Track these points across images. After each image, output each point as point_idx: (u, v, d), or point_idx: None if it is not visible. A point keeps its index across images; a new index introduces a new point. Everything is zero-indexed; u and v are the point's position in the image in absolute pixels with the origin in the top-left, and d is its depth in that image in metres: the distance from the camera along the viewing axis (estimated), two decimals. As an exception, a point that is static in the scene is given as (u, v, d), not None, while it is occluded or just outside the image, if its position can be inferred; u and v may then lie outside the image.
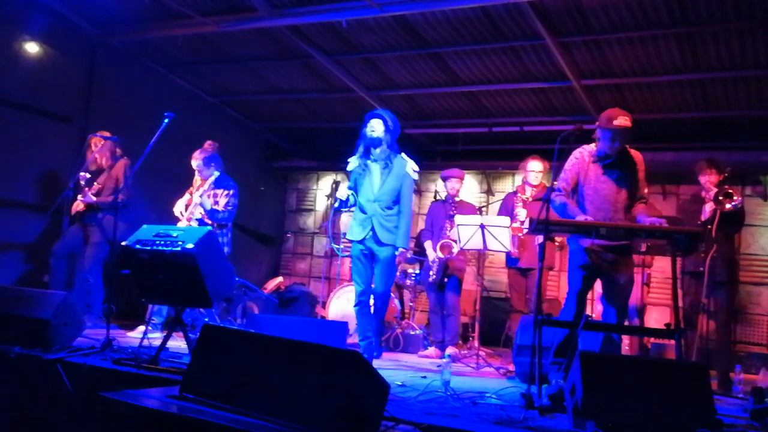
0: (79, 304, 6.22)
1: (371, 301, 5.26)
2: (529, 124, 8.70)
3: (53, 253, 6.38)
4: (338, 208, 5.29)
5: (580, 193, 4.69)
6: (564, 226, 4.38)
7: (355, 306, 5.22)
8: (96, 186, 6.43)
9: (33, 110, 7.17)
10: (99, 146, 6.48)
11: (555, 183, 4.60)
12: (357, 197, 5.22)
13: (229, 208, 6.24)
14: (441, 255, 6.70)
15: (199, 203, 6.18)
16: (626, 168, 4.62)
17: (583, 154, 4.68)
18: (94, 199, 6.37)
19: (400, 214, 5.21)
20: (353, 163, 5.28)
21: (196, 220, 6.25)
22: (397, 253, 5.11)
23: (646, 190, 4.72)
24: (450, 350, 6.51)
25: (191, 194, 6.43)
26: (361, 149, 5.26)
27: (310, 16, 6.82)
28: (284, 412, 2.71)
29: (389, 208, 5.18)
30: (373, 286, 5.20)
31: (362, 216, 5.20)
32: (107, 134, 6.49)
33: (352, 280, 5.46)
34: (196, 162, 6.39)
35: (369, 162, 5.24)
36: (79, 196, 6.42)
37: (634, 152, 4.69)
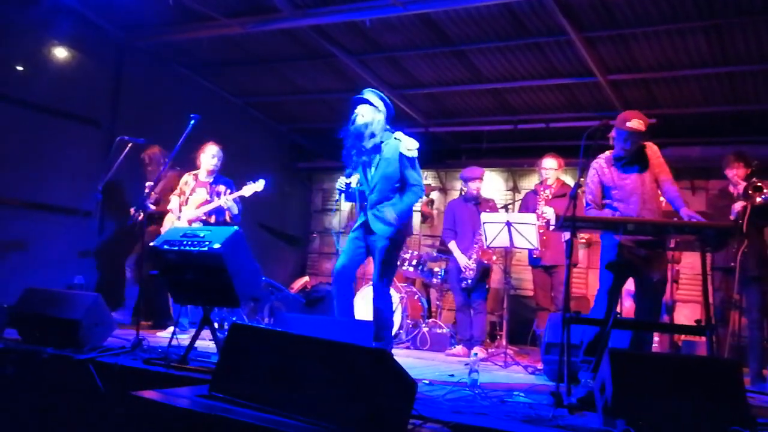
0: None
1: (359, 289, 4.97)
2: (555, 121, 8.64)
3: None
4: (342, 198, 4.94)
5: (608, 197, 4.72)
6: (591, 222, 4.36)
7: (332, 285, 4.86)
8: (153, 195, 6.54)
9: (61, 114, 7.27)
10: (151, 158, 6.65)
11: (582, 180, 4.59)
12: (357, 187, 4.87)
13: (240, 205, 6.38)
14: (483, 260, 6.68)
15: (227, 207, 6.22)
16: (642, 161, 4.67)
17: (600, 162, 4.77)
18: (154, 208, 6.58)
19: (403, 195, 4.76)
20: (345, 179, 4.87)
21: (203, 223, 6.27)
22: (388, 216, 4.60)
23: (669, 173, 4.70)
24: (476, 350, 6.49)
25: (184, 193, 6.45)
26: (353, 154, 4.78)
27: (334, 15, 6.84)
28: (312, 410, 2.72)
29: (387, 198, 4.72)
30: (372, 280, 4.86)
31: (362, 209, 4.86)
32: (154, 149, 6.62)
33: None
34: (218, 151, 6.42)
35: (363, 158, 4.78)
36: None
37: (647, 144, 4.71)
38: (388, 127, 4.85)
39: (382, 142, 4.75)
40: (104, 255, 7.26)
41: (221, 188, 6.37)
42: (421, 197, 4.88)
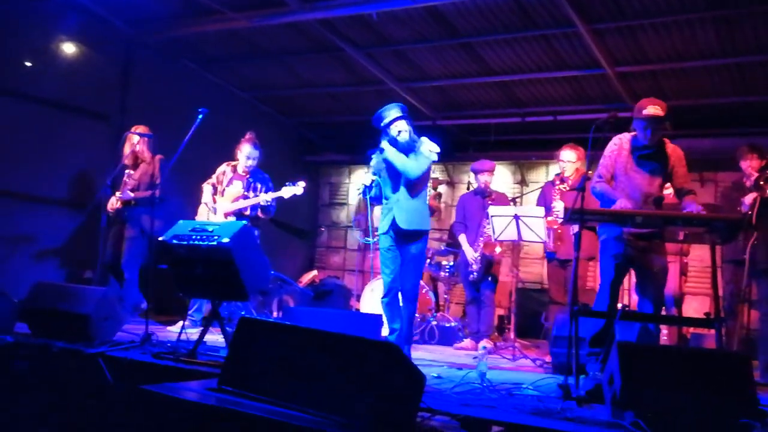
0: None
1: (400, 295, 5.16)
2: (563, 113, 8.62)
3: (108, 265, 6.50)
4: (363, 193, 5.22)
5: (615, 180, 4.67)
6: (599, 215, 4.33)
7: (383, 298, 5.16)
8: (133, 182, 6.49)
9: (70, 109, 7.30)
10: (138, 142, 6.53)
11: (590, 172, 4.57)
12: (383, 188, 5.21)
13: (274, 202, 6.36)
14: (486, 253, 6.68)
15: (265, 204, 6.23)
16: (662, 161, 4.59)
17: (622, 141, 4.67)
18: (132, 195, 6.44)
19: (424, 199, 5.24)
20: (375, 159, 5.22)
21: (237, 216, 6.28)
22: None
23: (690, 185, 4.63)
24: (484, 343, 6.50)
25: (221, 183, 6.44)
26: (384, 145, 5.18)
27: (341, 9, 6.82)
28: (321, 403, 2.73)
29: (414, 197, 5.12)
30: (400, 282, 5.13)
31: (386, 206, 5.21)
32: (145, 129, 6.55)
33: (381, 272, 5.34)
34: (252, 151, 6.38)
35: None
36: (118, 193, 6.46)
37: (673, 146, 4.63)
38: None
39: (416, 146, 5.14)
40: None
41: (258, 185, 6.36)
42: (415, 176, 5.08)
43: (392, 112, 5.16)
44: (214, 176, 6.49)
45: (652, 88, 7.67)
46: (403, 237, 5.09)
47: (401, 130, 5.12)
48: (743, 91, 7.53)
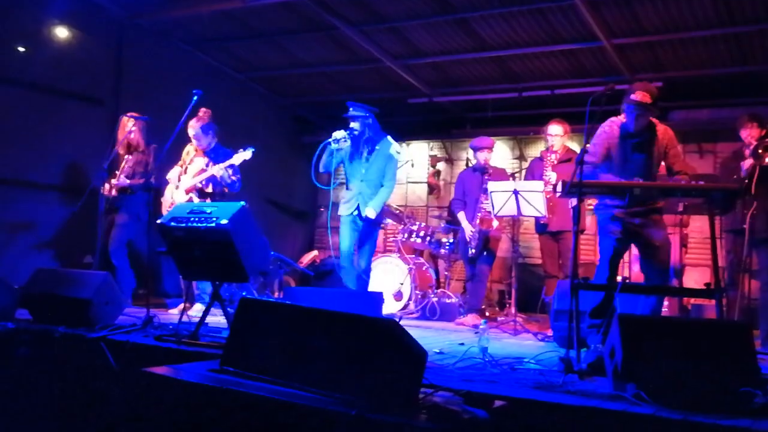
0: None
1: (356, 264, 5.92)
2: (560, 87, 8.58)
3: (101, 252, 6.47)
4: (327, 143, 5.74)
5: (612, 170, 4.62)
6: (597, 187, 4.31)
7: (342, 264, 5.91)
8: (128, 169, 6.46)
9: (63, 93, 7.24)
10: (134, 127, 6.48)
11: (587, 145, 4.53)
12: (347, 174, 5.91)
13: (238, 176, 6.19)
14: (483, 228, 6.69)
15: (220, 177, 6.10)
16: (654, 146, 4.56)
17: (613, 126, 4.62)
18: (128, 182, 6.41)
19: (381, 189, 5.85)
20: (346, 142, 5.81)
21: (199, 193, 6.24)
22: (370, 215, 5.71)
23: (684, 166, 4.60)
24: (470, 317, 6.58)
25: (185, 164, 6.40)
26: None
27: (333, -15, 6.76)
28: (324, 381, 2.74)
29: (376, 186, 5.81)
30: (356, 261, 5.90)
31: (350, 194, 5.88)
32: (137, 115, 6.52)
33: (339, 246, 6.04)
34: (193, 131, 6.26)
35: (359, 149, 5.80)
36: (113, 180, 6.45)
37: (663, 128, 4.60)
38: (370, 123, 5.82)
39: (376, 141, 5.80)
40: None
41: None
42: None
43: (351, 111, 5.77)
44: (181, 159, 6.46)
45: (649, 60, 7.63)
46: (361, 221, 5.85)
47: (353, 128, 5.79)
48: (741, 61, 7.49)
